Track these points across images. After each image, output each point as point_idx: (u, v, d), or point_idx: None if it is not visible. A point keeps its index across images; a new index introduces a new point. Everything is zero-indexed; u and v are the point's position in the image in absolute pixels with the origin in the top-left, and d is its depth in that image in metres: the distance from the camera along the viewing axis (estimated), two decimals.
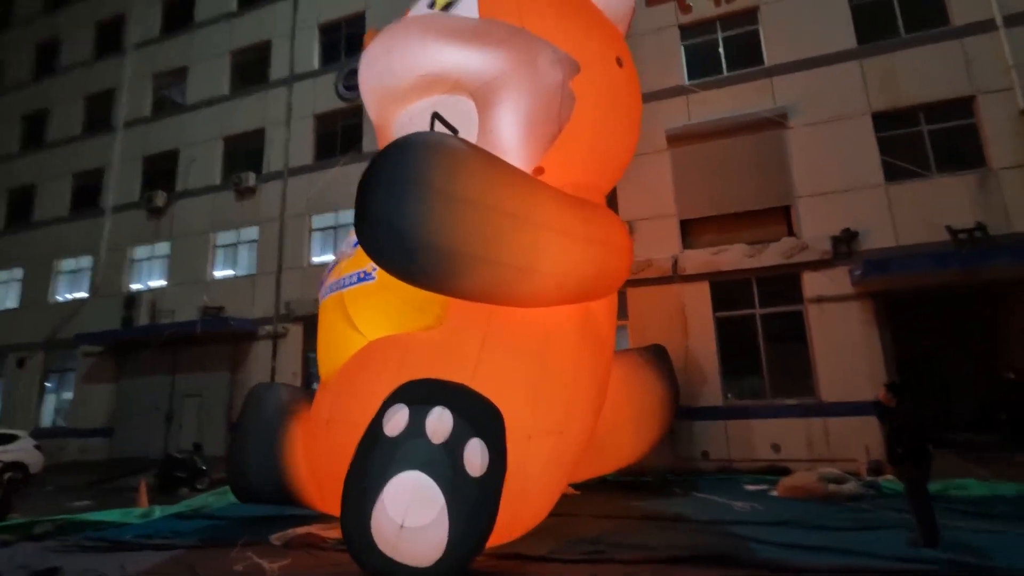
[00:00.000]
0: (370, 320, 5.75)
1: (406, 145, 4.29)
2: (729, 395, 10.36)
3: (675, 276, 10.85)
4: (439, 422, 4.14)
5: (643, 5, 12.40)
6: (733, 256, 10.54)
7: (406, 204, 4.02)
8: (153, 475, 11.22)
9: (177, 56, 17.86)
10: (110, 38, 19.47)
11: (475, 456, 4.08)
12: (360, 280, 5.90)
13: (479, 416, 4.26)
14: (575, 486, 8.86)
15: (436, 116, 6.44)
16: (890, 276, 9.09)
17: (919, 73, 10.25)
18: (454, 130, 6.28)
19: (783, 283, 10.39)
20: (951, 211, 9.49)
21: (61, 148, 19.00)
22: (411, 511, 3.95)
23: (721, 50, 11.84)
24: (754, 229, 10.81)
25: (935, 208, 9.63)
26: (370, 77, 6.63)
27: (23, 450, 12.19)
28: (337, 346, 6.01)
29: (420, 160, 4.18)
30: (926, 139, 10.19)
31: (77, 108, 19.19)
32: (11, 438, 12.20)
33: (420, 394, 4.36)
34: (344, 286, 6.00)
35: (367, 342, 5.79)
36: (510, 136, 5.90)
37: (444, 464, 4.02)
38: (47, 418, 16.91)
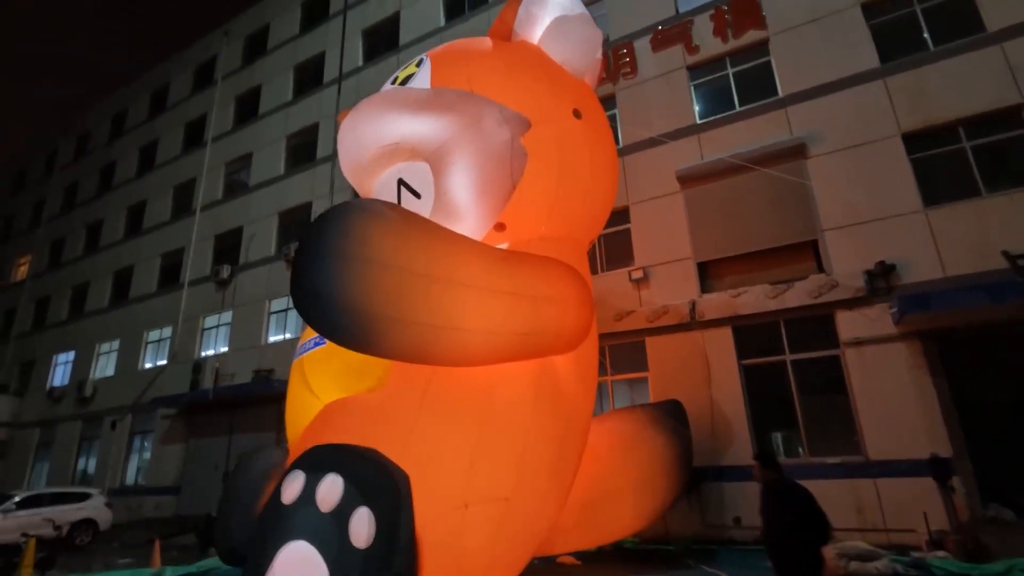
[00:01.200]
0: (322, 384, 5.86)
1: (326, 214, 4.45)
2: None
3: (694, 322, 10.17)
4: (329, 490, 4.05)
5: (650, 52, 12.37)
6: (754, 298, 9.74)
7: (325, 270, 4.12)
8: (195, 534, 11.81)
9: (244, 144, 20.02)
10: (194, 135, 22.27)
11: (361, 526, 3.92)
12: (315, 345, 6.07)
13: (370, 483, 4.12)
14: (579, 556, 8.26)
15: (401, 182, 6.68)
16: (935, 313, 7.95)
17: (954, 86, 9.26)
18: (417, 195, 6.46)
19: (815, 325, 9.40)
20: (1007, 234, 8.26)
21: (154, 232, 21.61)
22: None
23: (732, 85, 11.42)
24: (779, 268, 9.98)
25: (987, 232, 8.42)
26: (343, 153, 7.03)
27: (94, 508, 13.33)
28: (298, 410, 6.14)
29: (336, 227, 4.30)
30: (969, 156, 9.06)
31: (167, 197, 21.88)
32: (84, 496, 13.42)
33: (317, 460, 4.32)
34: (304, 351, 6.19)
35: (323, 406, 5.88)
36: (463, 197, 5.97)
37: (331, 534, 3.90)
38: (131, 476, 18.47)
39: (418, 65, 6.71)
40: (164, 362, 18.89)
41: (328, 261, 4.15)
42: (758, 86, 11.10)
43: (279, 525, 4.07)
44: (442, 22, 16.69)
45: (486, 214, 6.05)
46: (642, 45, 12.55)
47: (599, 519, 7.05)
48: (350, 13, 19.11)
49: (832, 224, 9.56)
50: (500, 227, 6.23)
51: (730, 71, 11.53)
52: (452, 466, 4.98)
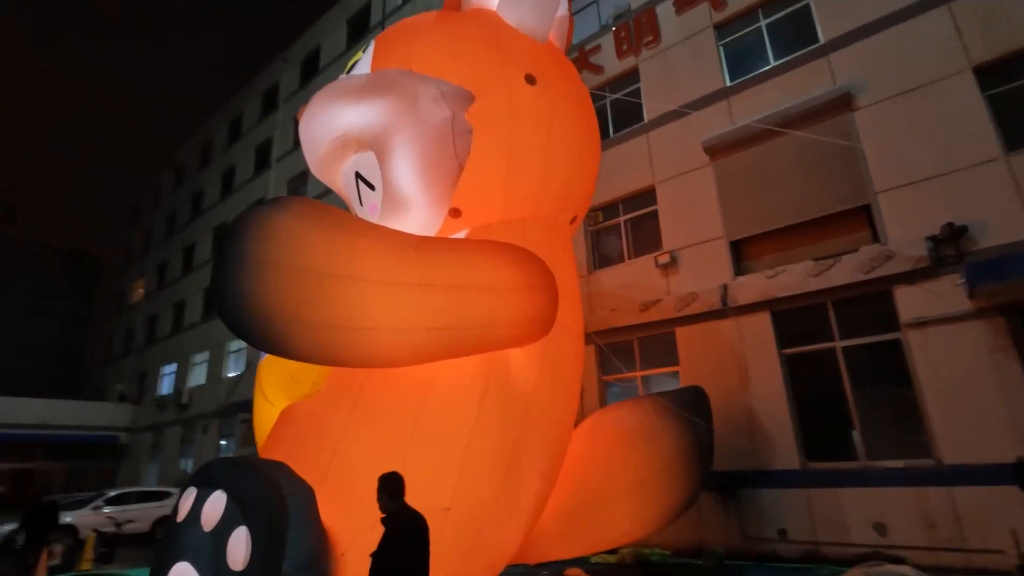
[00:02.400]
0: (271, 390, 5.76)
1: (239, 217, 4.32)
2: (808, 456, 8.05)
3: (726, 309, 9.05)
4: (212, 508, 3.86)
5: (673, 16, 11.30)
6: (793, 278, 8.46)
7: (229, 274, 3.99)
8: None
9: (302, 161, 21.06)
10: (263, 157, 23.84)
11: (239, 547, 3.68)
12: None
13: (250, 501, 3.86)
14: (595, 568, 7.59)
15: (357, 175, 6.47)
16: (1016, 282, 6.40)
17: None
18: (371, 186, 6.21)
19: (869, 305, 7.98)
20: None
21: None
22: None
23: (766, 38, 10.08)
24: (825, 241, 8.61)
25: None
26: (304, 151, 6.94)
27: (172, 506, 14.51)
28: (258, 417, 6.09)
29: (240, 231, 4.16)
30: None
31: None
32: (164, 495, 14.66)
33: (211, 476, 4.15)
34: (261, 356, 6.13)
35: (278, 412, 5.78)
36: (408, 184, 5.63)
37: (209, 555, 3.70)
38: None
39: (364, 51, 6.44)
40: (242, 370, 20.31)
41: (231, 265, 4.02)
42: (795, 35, 9.70)
43: (169, 545, 3.96)
44: None
45: (435, 200, 5.65)
46: (665, 9, 11.48)
47: (589, 526, 6.40)
48: (388, 23, 19.47)
49: (886, 185, 8.06)
50: (455, 213, 5.80)
51: (763, 22, 10.19)
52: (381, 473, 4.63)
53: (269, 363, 5.67)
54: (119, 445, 25.27)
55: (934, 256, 7.37)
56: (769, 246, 9.15)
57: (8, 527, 12.18)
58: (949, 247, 7.32)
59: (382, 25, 19.60)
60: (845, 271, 8.00)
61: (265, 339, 4.17)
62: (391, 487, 3.63)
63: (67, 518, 13.40)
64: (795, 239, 8.86)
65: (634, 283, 10.39)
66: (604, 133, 11.85)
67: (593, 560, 8.35)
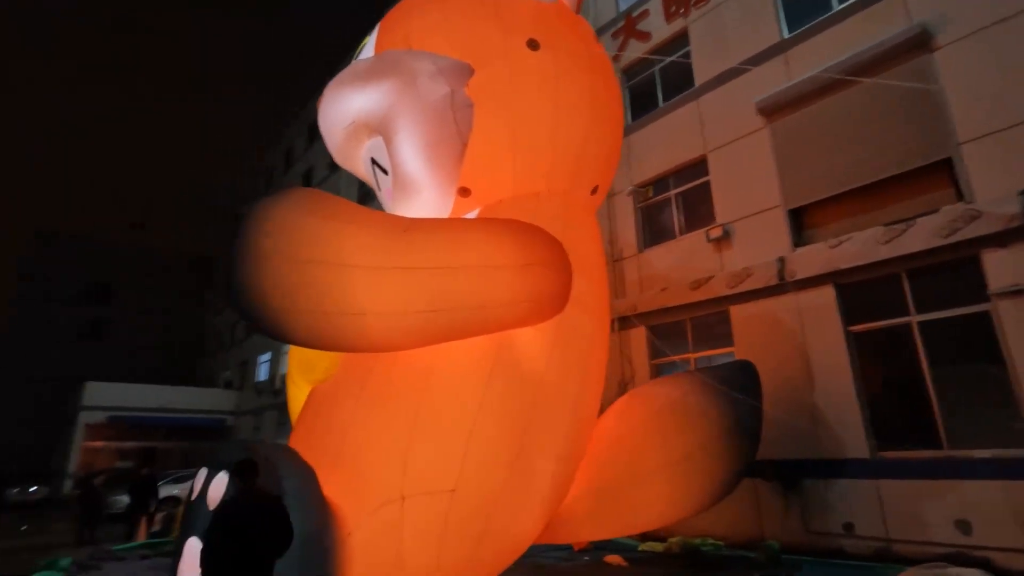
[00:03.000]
0: (296, 374, 6.04)
1: (242, 214, 4.55)
2: (879, 444, 7.23)
3: (785, 284, 8.29)
4: (216, 487, 4.09)
5: None
6: (859, 246, 7.56)
7: (234, 265, 4.22)
8: None
9: (332, 188, 21.95)
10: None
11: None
12: None
13: (250, 484, 4.04)
14: (631, 555, 7.35)
15: (373, 161, 6.56)
16: None
17: None
18: (385, 171, 6.29)
19: (951, 274, 6.99)
20: None
21: None
22: (186, 573, 3.95)
23: None
24: (899, 203, 7.63)
25: None
26: (324, 140, 7.12)
27: None
28: (289, 398, 6.40)
29: (243, 226, 4.37)
30: None
31: None
32: None
33: (221, 457, 4.39)
34: None
35: (305, 394, 6.05)
36: (415, 166, 5.65)
37: (217, 527, 3.93)
38: None
39: (371, 35, 6.46)
40: None
41: (236, 257, 4.21)
42: None
43: (186, 520, 4.25)
44: None
45: (442, 181, 5.61)
46: None
47: (618, 507, 6.14)
48: None
49: (972, 134, 6.98)
50: (465, 192, 5.70)
51: None
52: (386, 456, 4.73)
53: (293, 348, 5.93)
54: (226, 427, 27.93)
55: None
56: (833, 213, 8.26)
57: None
58: None
59: None
60: (921, 236, 7.04)
61: (268, 326, 4.33)
62: (237, 472, 3.84)
63: (174, 490, 15.03)
64: (864, 203, 7.93)
65: (686, 260, 9.82)
66: (653, 103, 11.29)
67: (641, 548, 8.08)
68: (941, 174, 7.26)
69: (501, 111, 5.49)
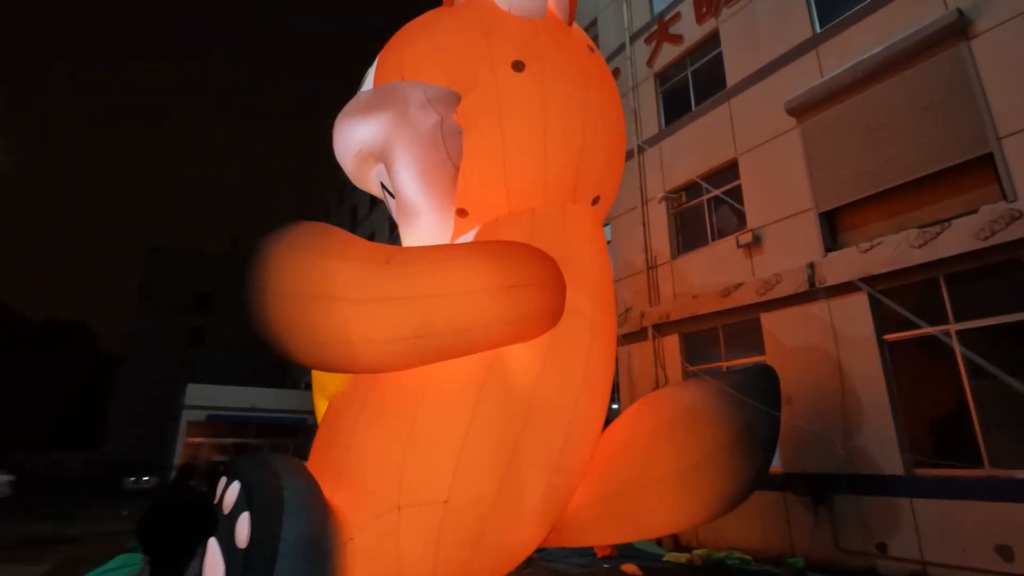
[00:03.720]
0: (315, 389, 6.67)
1: (249, 251, 5.20)
2: (915, 460, 6.82)
3: (815, 290, 7.97)
4: (230, 494, 4.68)
5: None
6: (892, 250, 7.15)
7: (245, 300, 4.85)
8: None
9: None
10: None
11: (243, 529, 4.41)
12: None
13: (254, 489, 4.59)
14: (655, 564, 7.41)
15: (382, 185, 7.05)
16: None
17: None
18: (392, 195, 6.77)
19: (993, 278, 6.48)
20: None
21: None
22: (208, 571, 4.59)
23: None
24: (937, 204, 7.14)
25: None
26: (341, 166, 7.64)
27: None
28: (316, 410, 7.03)
29: (249, 263, 5.01)
30: None
31: None
32: None
33: (234, 467, 5.00)
34: None
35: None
36: (412, 191, 6.10)
37: (226, 534, 4.52)
38: None
39: (373, 66, 6.90)
40: None
41: (244, 291, 4.81)
42: None
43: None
44: None
45: (439, 204, 6.01)
46: None
47: (626, 513, 6.20)
48: None
49: (1013, 127, 6.43)
50: (462, 213, 6.04)
51: None
52: (383, 468, 5.14)
53: None
54: (306, 425, 30.07)
55: None
56: (867, 215, 7.84)
57: None
58: None
59: None
60: (957, 238, 6.57)
61: (275, 350, 4.88)
62: (179, 473, 4.81)
63: None
64: (899, 204, 7.48)
65: (717, 267, 9.63)
66: (686, 108, 11.12)
67: (666, 558, 8.09)
68: (982, 172, 6.73)
69: (490, 134, 5.73)
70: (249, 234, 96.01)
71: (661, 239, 10.94)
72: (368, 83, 6.74)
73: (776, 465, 7.85)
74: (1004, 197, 6.45)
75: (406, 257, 5.07)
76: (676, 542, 8.95)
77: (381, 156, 6.24)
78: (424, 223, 6.19)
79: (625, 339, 11.01)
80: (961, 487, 6.33)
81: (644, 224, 11.24)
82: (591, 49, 6.68)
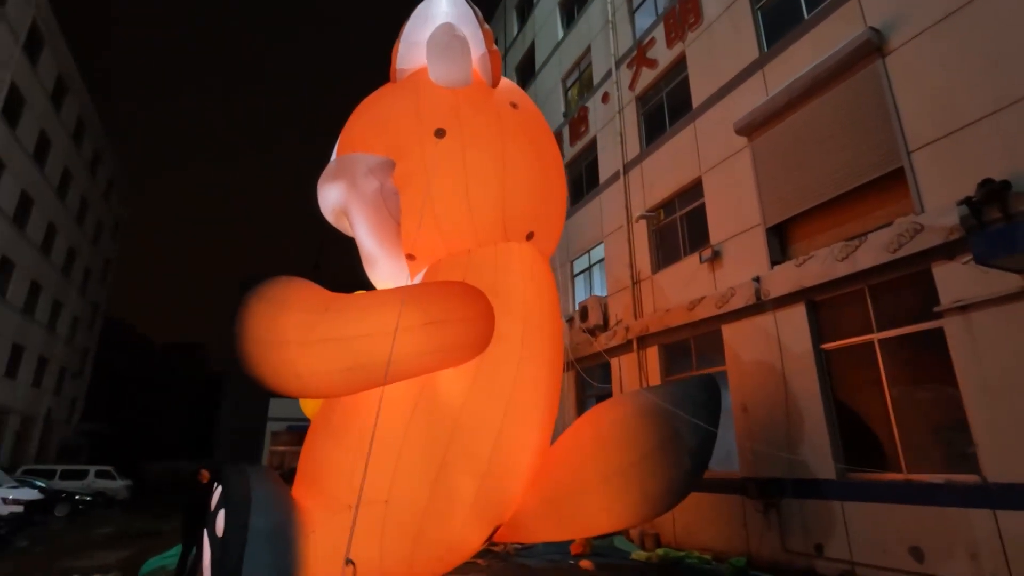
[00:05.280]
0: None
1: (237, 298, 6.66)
2: (847, 465, 7.09)
3: (761, 303, 8.36)
4: (215, 496, 6.09)
5: None
6: (820, 264, 7.47)
7: (230, 343, 6.34)
8: None
9: None
10: None
11: (220, 521, 5.81)
12: None
13: (229, 491, 5.96)
14: (597, 562, 8.17)
15: None
16: None
17: None
18: None
19: (908, 289, 6.70)
20: None
21: None
22: (204, 557, 6.01)
23: None
24: (866, 216, 7.39)
25: None
26: None
27: None
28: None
29: (234, 312, 6.48)
30: None
31: None
32: None
33: (222, 474, 6.40)
34: None
35: None
36: (367, 243, 7.28)
37: (212, 524, 5.94)
38: None
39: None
40: None
41: (229, 335, 6.26)
42: None
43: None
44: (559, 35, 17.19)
45: (389, 253, 7.22)
46: None
47: (566, 514, 7.06)
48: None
49: (922, 140, 6.64)
50: (411, 258, 7.25)
51: None
52: (338, 474, 6.40)
53: None
54: None
55: (973, 222, 5.92)
56: (806, 230, 8.15)
57: None
58: (993, 208, 5.81)
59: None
60: (871, 252, 6.85)
61: (256, 380, 6.27)
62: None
63: None
64: (831, 219, 7.77)
65: (688, 281, 10.13)
66: (662, 129, 11.67)
67: (633, 556, 8.74)
68: (898, 186, 6.95)
69: (420, 192, 6.86)
70: (328, 261, 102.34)
71: (643, 256, 11.52)
72: (334, 153, 8.09)
73: (734, 470, 8.36)
74: (918, 211, 6.66)
75: (341, 305, 6.30)
76: (657, 541, 9.53)
77: (345, 214, 7.53)
78: (382, 267, 7.39)
79: (614, 351, 11.68)
80: (882, 490, 6.59)
81: (629, 241, 11.86)
82: (513, 105, 7.58)
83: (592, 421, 7.69)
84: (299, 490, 6.47)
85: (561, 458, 7.40)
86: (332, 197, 7.50)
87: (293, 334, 5.91)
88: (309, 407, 7.84)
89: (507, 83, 8.00)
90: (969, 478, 5.82)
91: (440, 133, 6.97)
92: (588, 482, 6.98)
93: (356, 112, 7.88)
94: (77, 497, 17.32)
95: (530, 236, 7.49)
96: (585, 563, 8.06)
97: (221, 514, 5.79)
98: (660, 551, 8.37)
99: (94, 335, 35.68)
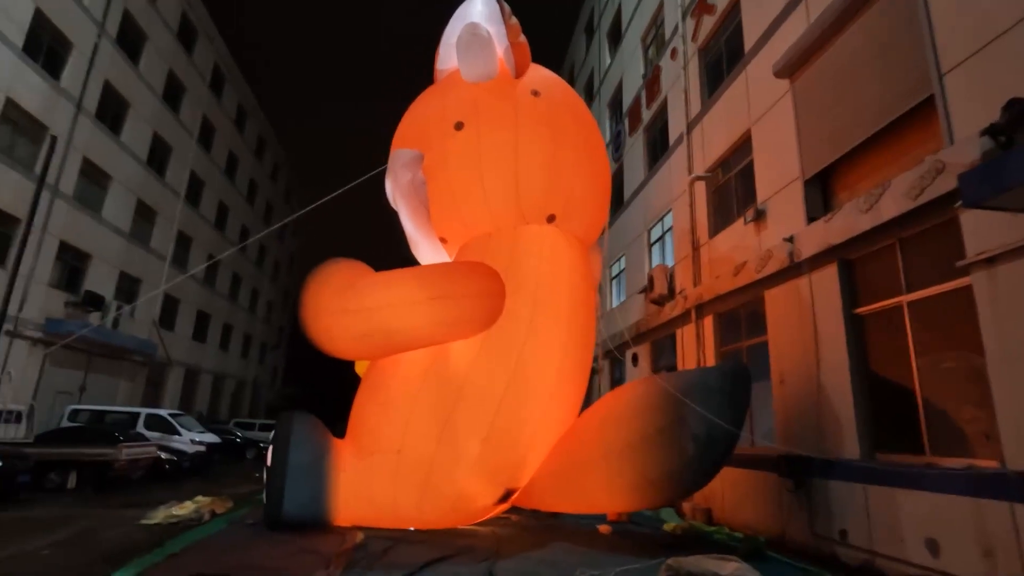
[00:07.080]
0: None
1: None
2: (872, 445, 6.23)
3: (797, 264, 7.53)
4: (270, 435, 7.59)
5: None
6: (844, 218, 6.53)
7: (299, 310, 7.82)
8: None
9: None
10: None
11: (270, 455, 7.28)
12: None
13: (276, 431, 7.39)
14: (620, 529, 8.24)
15: None
16: None
17: None
18: None
19: (936, 241, 5.63)
20: None
21: None
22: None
23: None
24: (900, 160, 6.28)
25: None
26: None
27: None
28: None
29: (302, 287, 7.89)
30: None
31: None
32: None
33: (276, 420, 7.86)
34: None
35: None
36: (409, 228, 8.29)
37: (264, 460, 7.45)
38: None
39: None
40: None
41: (300, 305, 7.71)
42: None
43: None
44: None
45: (426, 235, 8.20)
46: None
47: (571, 487, 7.48)
48: None
49: (955, 59, 5.47)
50: (443, 241, 8.12)
51: None
52: (367, 426, 7.54)
53: None
54: None
55: (993, 158, 4.83)
56: (845, 180, 7.13)
57: None
58: (1023, 136, 4.69)
59: None
60: (893, 200, 5.86)
61: (316, 343, 7.50)
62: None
63: None
64: (869, 165, 6.72)
65: (737, 244, 9.38)
66: (719, 81, 10.79)
67: (664, 527, 8.58)
68: (933, 119, 5.80)
69: (444, 181, 7.66)
70: None
71: (702, 220, 10.83)
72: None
73: (775, 446, 7.83)
74: (947, 147, 5.54)
75: (364, 282, 7.26)
76: (709, 516, 9.19)
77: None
78: (424, 248, 8.34)
79: (676, 322, 11.25)
80: (905, 475, 5.73)
81: (690, 206, 11.21)
82: (535, 93, 7.84)
83: (607, 401, 7.82)
84: (347, 438, 7.67)
85: (573, 434, 7.68)
86: (388, 188, 8.42)
87: (326, 304, 7.03)
88: (360, 369, 9.11)
89: (537, 72, 8.30)
90: (988, 464, 4.88)
91: (459, 126, 7.60)
92: (590, 457, 7.19)
93: (405, 114, 8.85)
94: (261, 445, 21.59)
95: (551, 219, 7.77)
96: (603, 528, 8.19)
97: (270, 450, 7.21)
98: (685, 524, 8.14)
99: (287, 316, 42.99)
